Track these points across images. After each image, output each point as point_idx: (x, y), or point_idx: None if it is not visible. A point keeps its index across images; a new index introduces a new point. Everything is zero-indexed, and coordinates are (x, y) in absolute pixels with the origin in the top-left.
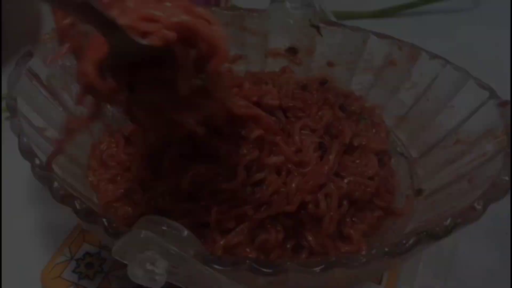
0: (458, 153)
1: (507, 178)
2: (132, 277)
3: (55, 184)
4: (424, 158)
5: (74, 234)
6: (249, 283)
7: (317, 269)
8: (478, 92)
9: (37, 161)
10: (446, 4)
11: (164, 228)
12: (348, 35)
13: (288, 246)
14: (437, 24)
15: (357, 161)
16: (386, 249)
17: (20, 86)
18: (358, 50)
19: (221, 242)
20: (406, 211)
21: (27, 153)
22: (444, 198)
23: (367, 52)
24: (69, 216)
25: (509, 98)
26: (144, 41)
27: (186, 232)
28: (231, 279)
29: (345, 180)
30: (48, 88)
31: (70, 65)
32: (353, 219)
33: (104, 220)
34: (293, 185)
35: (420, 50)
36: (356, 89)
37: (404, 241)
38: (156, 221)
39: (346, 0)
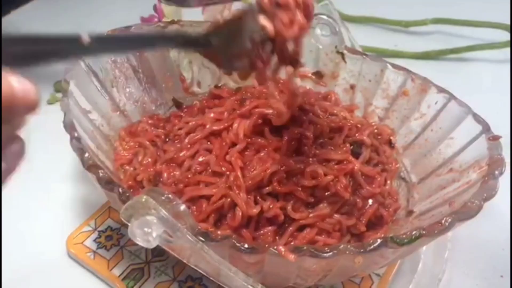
0: (450, 181)
1: (477, 201)
2: (131, 235)
3: (86, 154)
4: (421, 184)
5: (102, 209)
6: (234, 262)
7: (292, 256)
8: (474, 126)
9: (75, 134)
10: (492, 53)
11: (163, 198)
12: (368, 63)
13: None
14: (476, 72)
15: None
16: (351, 246)
17: (75, 72)
18: (377, 78)
19: None
20: None
21: (69, 127)
22: (427, 219)
23: (384, 81)
24: (101, 194)
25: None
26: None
27: (183, 207)
28: (219, 255)
29: None
30: (98, 78)
31: (120, 62)
32: None
33: (119, 188)
34: None
35: (430, 83)
36: (371, 113)
37: (371, 242)
38: (159, 191)
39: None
